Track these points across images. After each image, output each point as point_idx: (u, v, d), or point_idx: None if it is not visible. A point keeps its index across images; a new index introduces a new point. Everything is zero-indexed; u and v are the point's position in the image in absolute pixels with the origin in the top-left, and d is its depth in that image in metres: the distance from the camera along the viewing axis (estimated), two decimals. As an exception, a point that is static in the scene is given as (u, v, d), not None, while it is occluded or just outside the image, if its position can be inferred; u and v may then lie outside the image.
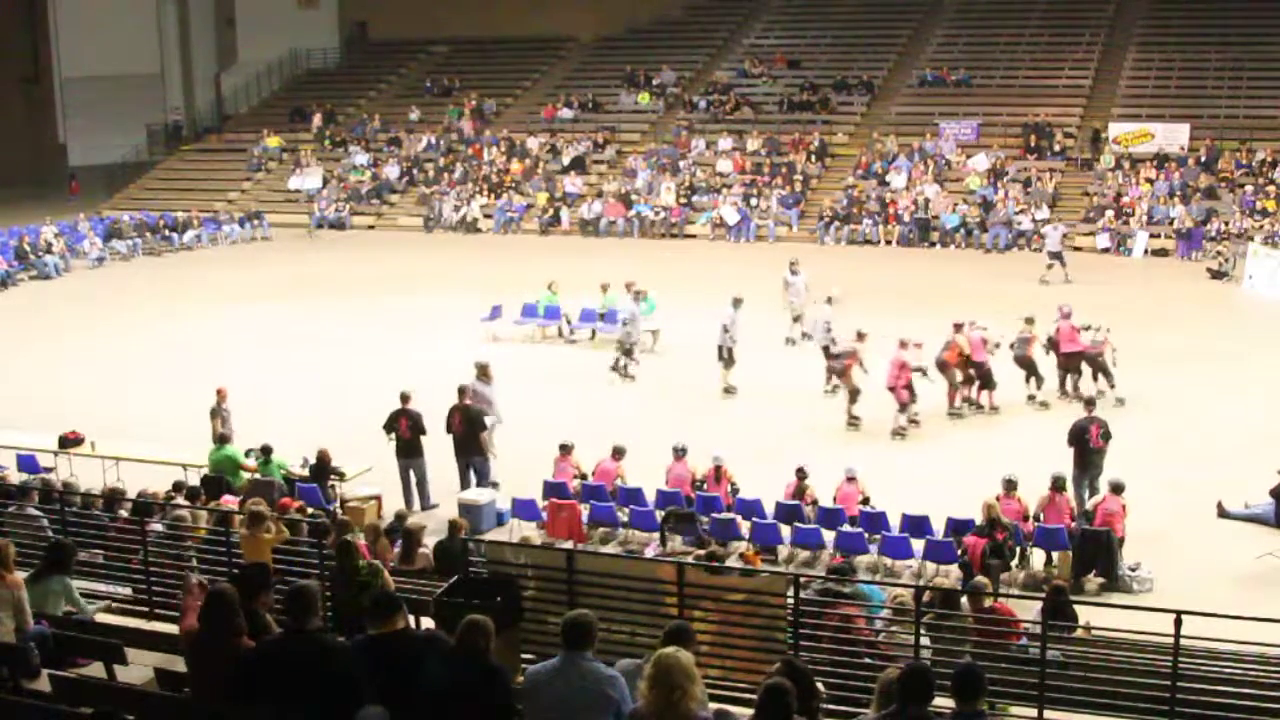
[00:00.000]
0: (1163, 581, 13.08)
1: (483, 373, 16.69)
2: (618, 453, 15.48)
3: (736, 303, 20.17)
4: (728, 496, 14.68)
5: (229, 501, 13.07)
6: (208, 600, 6.84)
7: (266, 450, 15.23)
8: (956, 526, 13.51)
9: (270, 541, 10.25)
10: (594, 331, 23.92)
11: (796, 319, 23.11)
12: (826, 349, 19.84)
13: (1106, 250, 31.76)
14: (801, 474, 14.72)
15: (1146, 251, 31.59)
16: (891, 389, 18.03)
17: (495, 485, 15.73)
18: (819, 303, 20.63)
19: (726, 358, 20.09)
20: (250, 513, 10.44)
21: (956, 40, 41.98)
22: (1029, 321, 19.54)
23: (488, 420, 16.17)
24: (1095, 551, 13.21)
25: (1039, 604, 10.85)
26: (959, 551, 13.11)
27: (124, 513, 12.47)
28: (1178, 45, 38.90)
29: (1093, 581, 13.20)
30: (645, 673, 5.69)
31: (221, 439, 15.49)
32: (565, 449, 15.61)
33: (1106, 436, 14.88)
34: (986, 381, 19.18)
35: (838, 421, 18.65)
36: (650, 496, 14.84)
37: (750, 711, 6.47)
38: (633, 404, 19.92)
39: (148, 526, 11.37)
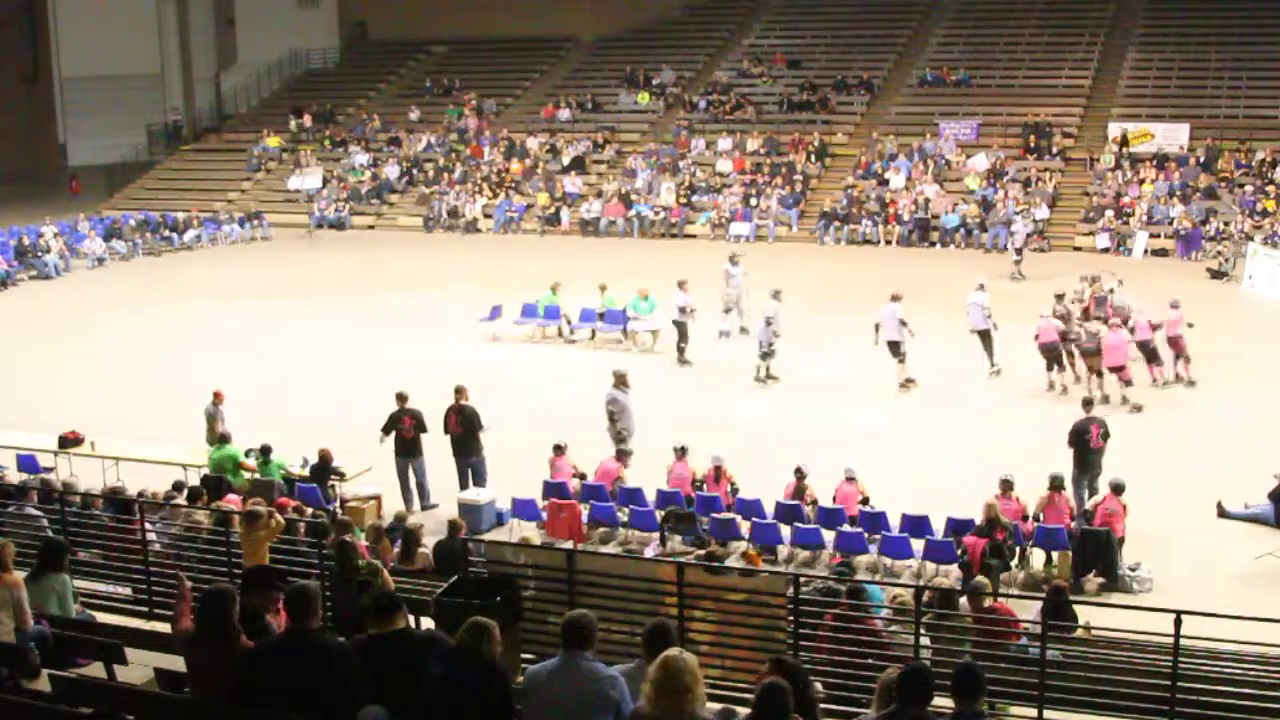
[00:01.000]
0: (1163, 581, 13.09)
1: (621, 381, 16.39)
2: (622, 454, 15.47)
3: (896, 299, 20.27)
4: (727, 496, 14.69)
5: (230, 501, 13.06)
6: (204, 600, 6.84)
7: (266, 450, 15.24)
8: (956, 526, 13.52)
9: (268, 537, 10.25)
10: (594, 331, 23.91)
11: (728, 311, 23.50)
12: (894, 344, 20.24)
13: (1106, 250, 31.74)
14: (801, 474, 14.72)
15: (1146, 251, 31.58)
16: (1119, 368, 18.79)
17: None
18: (767, 298, 20.93)
19: (902, 354, 20.28)
20: (246, 512, 10.45)
21: (956, 40, 41.97)
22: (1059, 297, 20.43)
23: (623, 427, 16.02)
24: (1095, 551, 13.21)
25: (1039, 604, 10.86)
26: (959, 551, 13.11)
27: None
28: (1178, 45, 38.89)
29: (1093, 581, 13.20)
30: (650, 675, 5.67)
31: (222, 438, 15.49)
32: (559, 449, 15.61)
33: (1105, 436, 14.89)
34: (1152, 358, 19.83)
35: (836, 421, 18.64)
36: (650, 496, 14.85)
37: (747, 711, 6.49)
38: (633, 404, 19.88)
39: (148, 526, 11.38)
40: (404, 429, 15.69)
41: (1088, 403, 15.55)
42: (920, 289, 24.58)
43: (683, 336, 21.97)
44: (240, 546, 10.57)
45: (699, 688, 5.64)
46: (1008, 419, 18.72)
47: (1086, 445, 14.82)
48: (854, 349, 22.74)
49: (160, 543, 11.61)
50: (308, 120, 43.77)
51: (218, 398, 16.82)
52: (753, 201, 35.62)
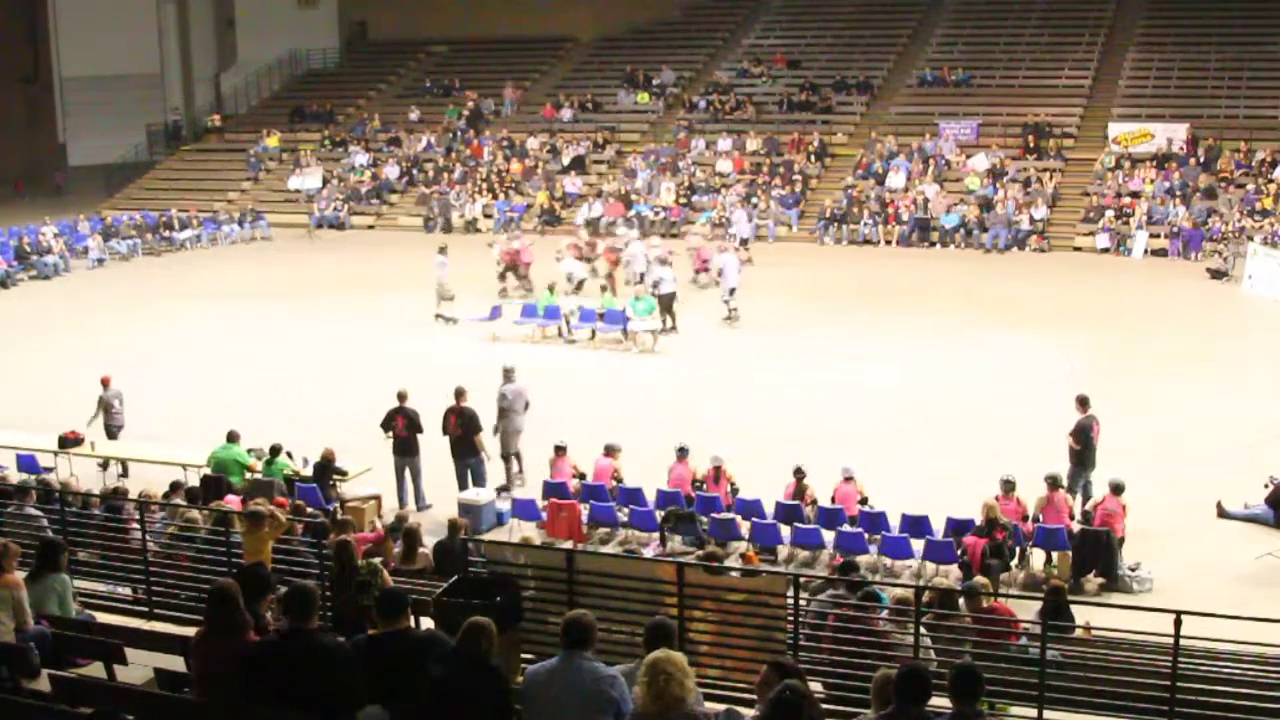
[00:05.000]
0: (1163, 581, 13.09)
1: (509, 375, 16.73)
2: (610, 450, 15.48)
3: (442, 250, 23.26)
4: (727, 497, 14.68)
5: (231, 501, 13.06)
6: (210, 599, 6.85)
7: (275, 450, 15.21)
8: (956, 526, 13.52)
9: (270, 536, 10.25)
10: (594, 331, 23.91)
11: (448, 299, 25.16)
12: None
13: (1106, 250, 31.75)
14: (800, 474, 14.71)
15: (1146, 251, 31.57)
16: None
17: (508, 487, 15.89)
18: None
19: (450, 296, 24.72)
20: (249, 512, 10.46)
21: (956, 40, 41.96)
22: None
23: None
24: (1095, 551, 13.22)
25: (1038, 604, 10.86)
26: (959, 551, 13.12)
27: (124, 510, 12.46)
28: (1178, 45, 38.88)
29: (1093, 581, 13.21)
30: (639, 675, 5.72)
31: (229, 437, 15.41)
32: (560, 450, 15.60)
33: (1099, 433, 14.97)
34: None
35: (836, 421, 18.65)
36: (650, 496, 14.84)
37: (752, 711, 6.49)
38: (633, 403, 19.93)
39: (148, 526, 11.38)
40: (396, 428, 15.69)
41: (1083, 401, 15.47)
42: (919, 288, 24.66)
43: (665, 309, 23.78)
44: (241, 546, 10.57)
45: (689, 681, 5.67)
46: (1007, 418, 18.70)
47: (1090, 442, 14.86)
48: (854, 349, 22.78)
49: (157, 543, 11.60)
50: (218, 119, 45.01)
51: (105, 383, 17.26)
52: (753, 201, 35.61)
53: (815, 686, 7.94)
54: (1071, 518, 13.77)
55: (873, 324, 24.47)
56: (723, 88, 41.24)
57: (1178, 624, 8.04)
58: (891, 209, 34.21)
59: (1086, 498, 14.49)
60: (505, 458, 16.32)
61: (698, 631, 8.66)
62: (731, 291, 24.50)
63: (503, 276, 27.28)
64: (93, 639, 8.57)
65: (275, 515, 10.48)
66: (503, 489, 15.97)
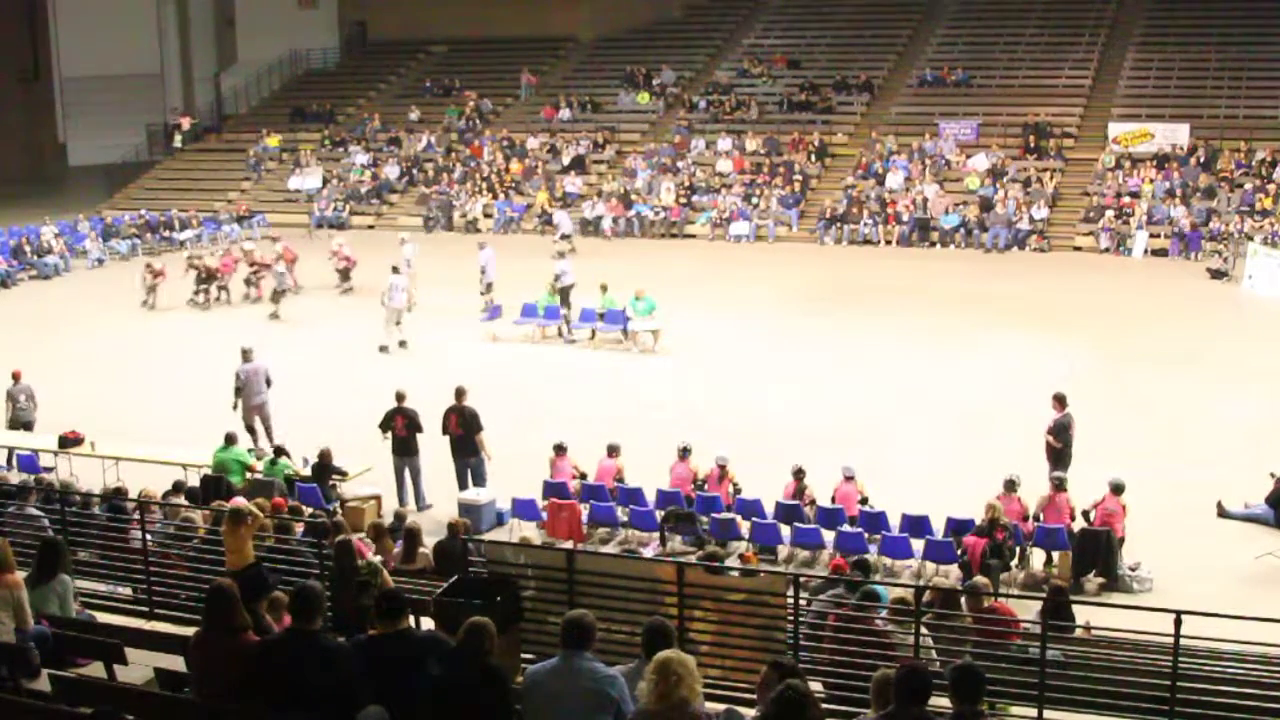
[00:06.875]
0: (1163, 581, 13.09)
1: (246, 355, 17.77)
2: (613, 450, 15.49)
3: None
4: (728, 497, 14.67)
5: (236, 502, 13.03)
6: (209, 598, 6.86)
7: (279, 450, 15.22)
8: (956, 526, 13.52)
9: (249, 533, 10.22)
10: (594, 331, 23.90)
11: (399, 323, 23.47)
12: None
13: (1106, 250, 31.75)
14: (800, 474, 14.71)
15: (1146, 251, 31.56)
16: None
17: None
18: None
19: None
20: (231, 511, 10.45)
21: (956, 40, 41.95)
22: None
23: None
24: (1095, 551, 13.22)
25: (1038, 604, 10.85)
26: (959, 551, 13.11)
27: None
28: (1178, 45, 38.87)
29: (1093, 581, 13.21)
30: (646, 674, 5.71)
31: (227, 439, 15.43)
32: (560, 449, 15.60)
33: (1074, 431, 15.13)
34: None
35: (835, 421, 18.64)
36: (651, 496, 14.84)
37: (752, 712, 6.49)
38: (633, 403, 19.93)
39: (148, 526, 11.37)
40: (396, 428, 15.70)
41: (1061, 399, 15.47)
42: (919, 288, 24.66)
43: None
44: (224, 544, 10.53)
45: (697, 685, 5.67)
46: (1003, 419, 18.69)
47: (1070, 440, 14.90)
48: (854, 349, 22.78)
49: (156, 542, 11.60)
50: (185, 124, 45.63)
51: (16, 377, 17.33)
52: (753, 201, 35.60)
53: (815, 686, 7.95)
54: (1072, 518, 13.78)
55: (873, 324, 24.46)
56: (723, 88, 41.24)
57: (1178, 624, 8.04)
58: (891, 209, 34.20)
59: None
60: (249, 429, 17.34)
61: (698, 631, 8.65)
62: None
63: (204, 281, 28.04)
64: (93, 639, 8.56)
65: (255, 514, 10.46)
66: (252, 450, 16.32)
